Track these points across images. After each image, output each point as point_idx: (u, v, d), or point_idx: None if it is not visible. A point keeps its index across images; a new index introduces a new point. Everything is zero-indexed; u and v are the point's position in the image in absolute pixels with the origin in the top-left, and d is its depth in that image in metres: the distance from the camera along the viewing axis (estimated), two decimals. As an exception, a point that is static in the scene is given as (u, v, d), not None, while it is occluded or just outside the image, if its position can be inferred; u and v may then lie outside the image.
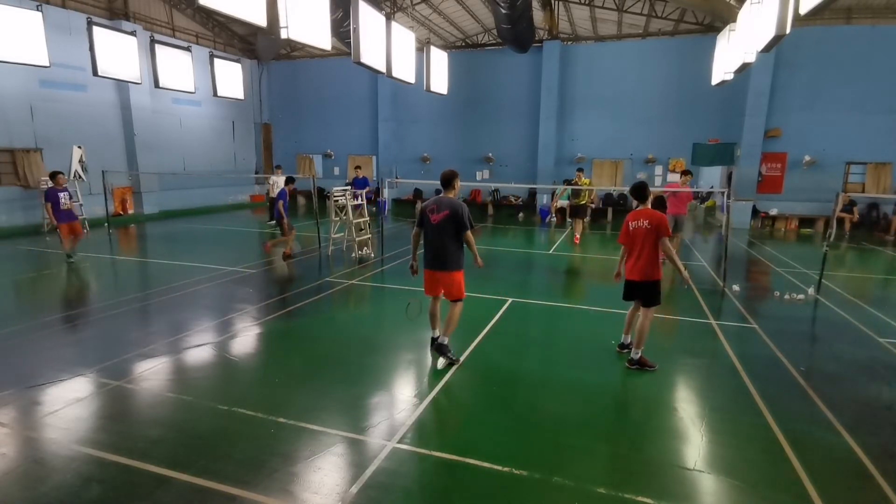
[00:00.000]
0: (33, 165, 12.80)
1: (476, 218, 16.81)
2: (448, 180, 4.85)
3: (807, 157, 14.81)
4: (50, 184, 8.93)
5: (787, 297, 7.41)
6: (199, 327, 5.88)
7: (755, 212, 15.27)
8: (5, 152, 12.44)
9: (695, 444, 3.58)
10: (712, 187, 17.39)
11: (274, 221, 14.19)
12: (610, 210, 16.76)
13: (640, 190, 4.86)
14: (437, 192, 4.78)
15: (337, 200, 10.02)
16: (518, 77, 17.65)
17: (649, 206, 4.91)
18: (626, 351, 5.09)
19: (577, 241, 11.92)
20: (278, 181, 14.30)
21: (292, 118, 20.71)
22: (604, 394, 4.38)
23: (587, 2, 15.07)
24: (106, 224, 13.06)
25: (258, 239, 12.83)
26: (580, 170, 12.73)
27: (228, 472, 3.14)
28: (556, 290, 8.30)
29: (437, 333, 4.89)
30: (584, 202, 12.49)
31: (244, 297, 7.15)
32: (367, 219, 10.63)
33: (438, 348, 4.83)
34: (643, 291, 4.80)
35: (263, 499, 2.91)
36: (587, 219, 15.10)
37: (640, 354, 4.81)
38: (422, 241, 4.88)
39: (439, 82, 14.20)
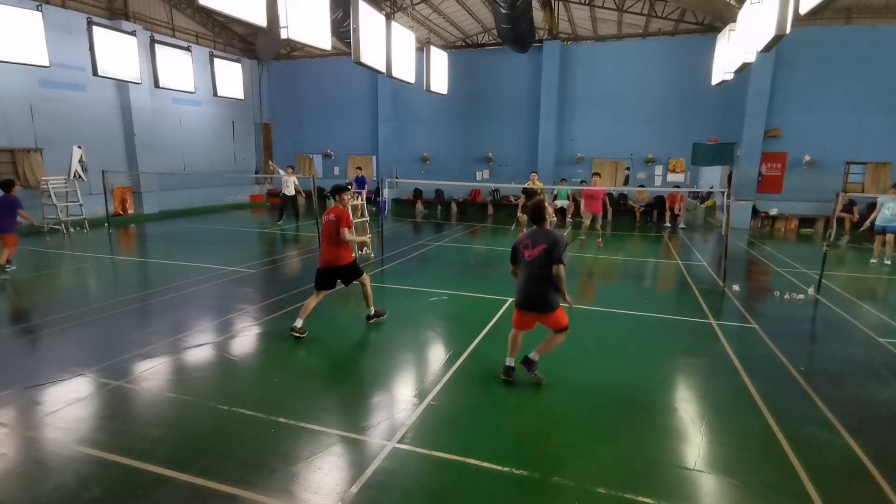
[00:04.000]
0: (34, 165, 12.80)
1: (476, 218, 16.94)
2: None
3: (807, 157, 14.81)
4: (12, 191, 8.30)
5: (787, 296, 7.40)
6: (199, 327, 5.88)
7: (755, 212, 15.26)
8: (5, 152, 12.44)
9: (695, 444, 3.58)
10: (712, 187, 17.38)
11: (283, 221, 14.19)
12: (610, 210, 16.67)
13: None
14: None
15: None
16: (518, 77, 17.63)
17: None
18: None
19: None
20: (289, 180, 14.33)
21: (292, 118, 20.70)
22: (604, 394, 4.38)
23: (587, 2, 15.08)
24: (106, 224, 13.07)
25: (258, 239, 12.83)
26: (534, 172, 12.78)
27: (228, 472, 3.14)
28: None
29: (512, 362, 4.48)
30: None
31: (244, 297, 7.15)
32: (367, 219, 10.63)
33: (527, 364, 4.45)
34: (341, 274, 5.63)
35: (263, 499, 2.91)
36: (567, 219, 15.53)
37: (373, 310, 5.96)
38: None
39: (439, 82, 14.21)
